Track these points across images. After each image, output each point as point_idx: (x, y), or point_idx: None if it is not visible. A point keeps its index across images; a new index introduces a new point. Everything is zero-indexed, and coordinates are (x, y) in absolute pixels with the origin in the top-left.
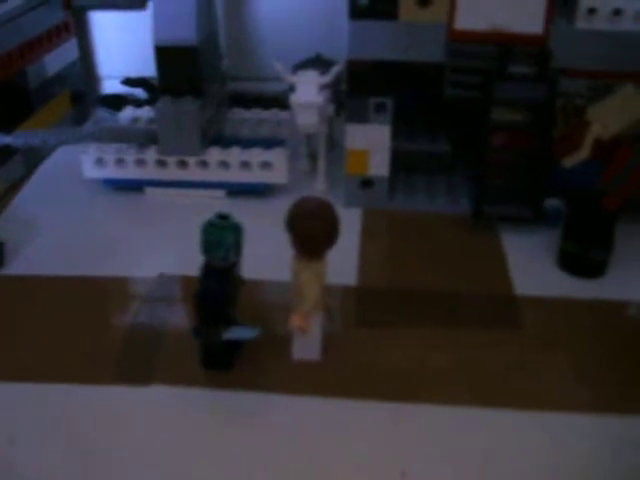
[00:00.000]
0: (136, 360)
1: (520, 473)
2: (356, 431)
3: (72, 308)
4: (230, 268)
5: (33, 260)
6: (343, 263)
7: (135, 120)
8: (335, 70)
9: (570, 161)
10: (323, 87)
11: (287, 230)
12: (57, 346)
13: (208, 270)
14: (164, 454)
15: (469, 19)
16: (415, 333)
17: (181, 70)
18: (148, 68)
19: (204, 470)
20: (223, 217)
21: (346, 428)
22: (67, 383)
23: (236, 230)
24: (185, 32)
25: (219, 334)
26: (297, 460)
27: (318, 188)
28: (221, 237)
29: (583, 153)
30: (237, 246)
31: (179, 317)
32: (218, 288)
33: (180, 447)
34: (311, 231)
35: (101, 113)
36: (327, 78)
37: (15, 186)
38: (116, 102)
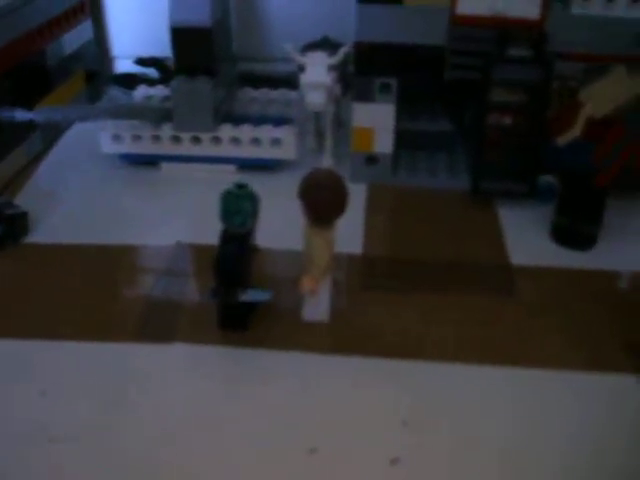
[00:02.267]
0: (158, 321)
1: (512, 423)
2: (360, 385)
3: (94, 273)
4: (247, 235)
5: (54, 229)
6: (349, 234)
7: (148, 98)
8: (343, 51)
9: (563, 139)
10: (331, 68)
11: (300, 199)
12: (82, 308)
13: (226, 236)
14: (186, 405)
15: (470, 4)
16: (416, 298)
17: (196, 50)
18: (159, 48)
19: (221, 419)
20: (241, 186)
21: (351, 382)
22: (94, 341)
23: (253, 198)
24: (200, 14)
25: (236, 295)
26: (305, 411)
27: (325, 164)
28: (239, 205)
29: (575, 132)
30: (254, 213)
31: (195, 284)
32: (236, 252)
33: (200, 398)
34: (322, 200)
35: (114, 91)
36: (336, 59)
37: (35, 160)
38: (129, 81)
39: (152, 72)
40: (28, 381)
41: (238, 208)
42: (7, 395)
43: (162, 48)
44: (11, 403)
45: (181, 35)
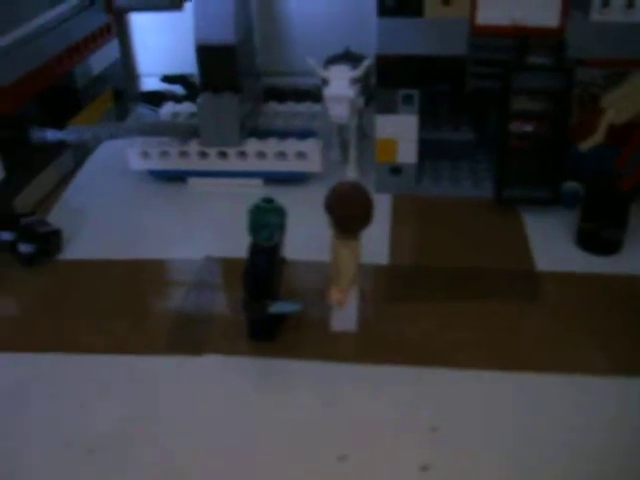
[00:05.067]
0: (187, 334)
1: (544, 430)
2: (388, 393)
3: (125, 288)
4: (275, 248)
5: (86, 246)
6: (376, 244)
7: (175, 115)
8: (365, 64)
9: (586, 145)
10: (354, 81)
11: (326, 212)
12: (114, 323)
13: (255, 250)
14: (216, 415)
15: (489, 14)
16: (442, 307)
17: (221, 67)
18: (185, 65)
19: (252, 428)
20: (268, 201)
21: (378, 390)
22: (126, 354)
23: (280, 213)
24: (225, 32)
25: (265, 308)
26: (334, 419)
27: (350, 176)
28: (266, 219)
29: (598, 138)
30: (281, 227)
31: (224, 296)
32: (264, 266)
33: (230, 408)
34: (348, 212)
35: (141, 109)
36: (358, 72)
37: (66, 179)
38: (156, 98)
39: (178, 89)
40: (68, 395)
41: (265, 222)
42: (49, 408)
43: (188, 65)
44: (53, 416)
45: (206, 53)
